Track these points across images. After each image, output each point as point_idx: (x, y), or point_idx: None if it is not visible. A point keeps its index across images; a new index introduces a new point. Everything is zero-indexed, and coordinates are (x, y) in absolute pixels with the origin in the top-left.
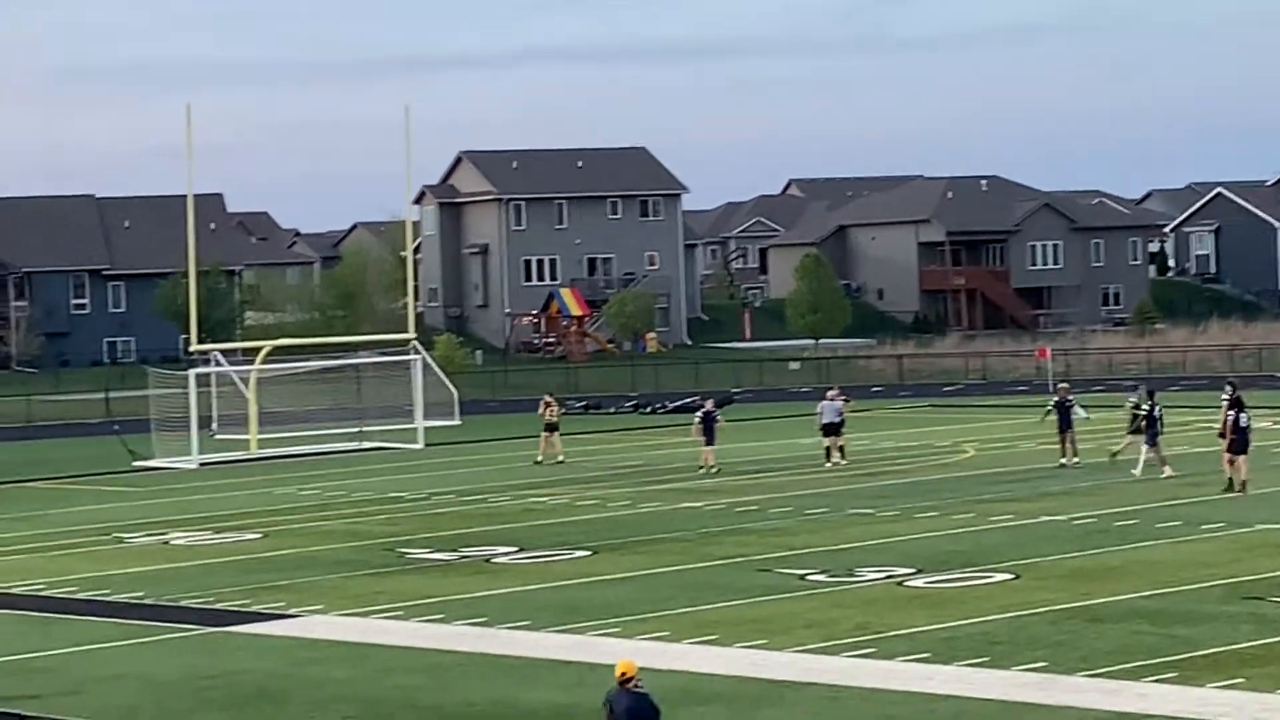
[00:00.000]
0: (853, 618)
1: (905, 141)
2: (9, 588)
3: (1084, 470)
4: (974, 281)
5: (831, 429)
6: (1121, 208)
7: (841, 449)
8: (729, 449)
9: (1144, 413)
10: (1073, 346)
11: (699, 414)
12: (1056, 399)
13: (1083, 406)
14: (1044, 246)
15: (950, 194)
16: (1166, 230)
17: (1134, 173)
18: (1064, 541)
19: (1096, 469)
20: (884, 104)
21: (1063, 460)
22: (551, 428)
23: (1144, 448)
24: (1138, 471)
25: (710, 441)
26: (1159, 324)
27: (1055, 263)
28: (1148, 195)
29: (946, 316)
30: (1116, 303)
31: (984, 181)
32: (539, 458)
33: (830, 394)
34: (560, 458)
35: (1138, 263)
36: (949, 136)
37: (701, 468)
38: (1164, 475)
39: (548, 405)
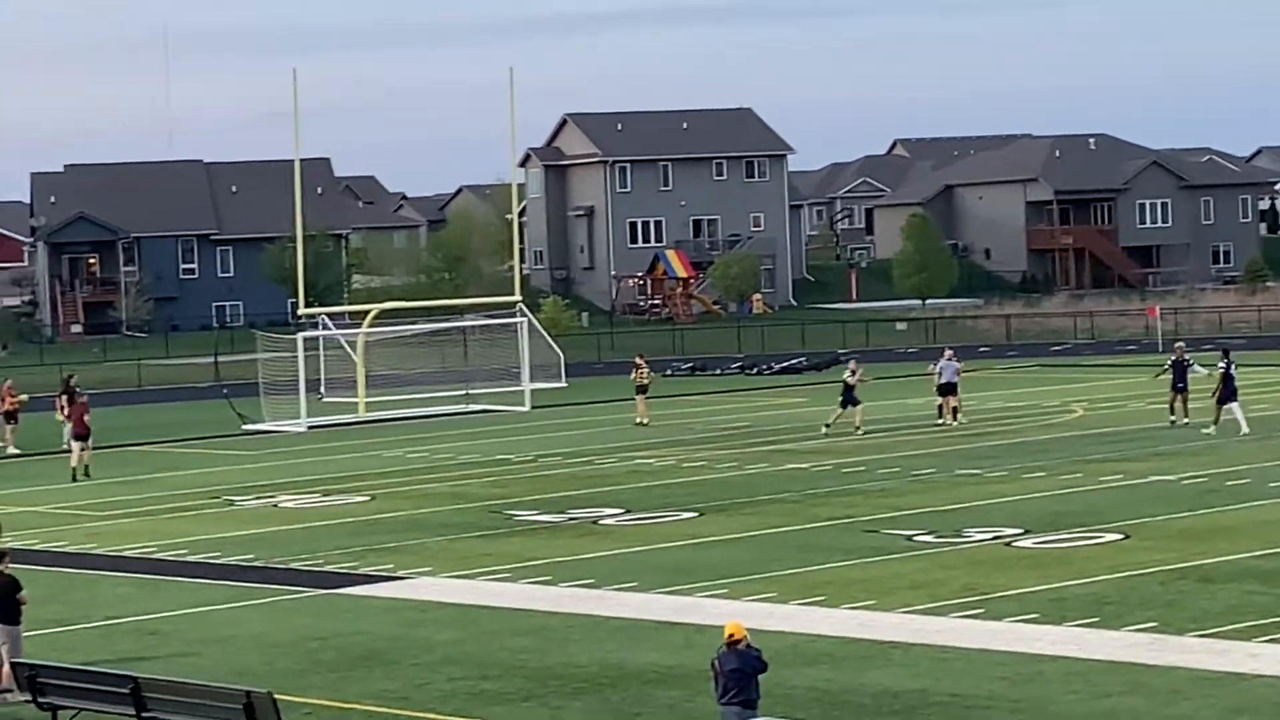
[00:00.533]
0: (960, 578)
1: (1012, 100)
2: (121, 551)
3: (1195, 430)
4: (1082, 240)
5: (948, 389)
6: (1231, 165)
7: (955, 410)
8: (835, 409)
9: (1221, 370)
10: (1182, 305)
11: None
12: (1174, 358)
13: (1202, 365)
14: (1153, 205)
15: (1058, 152)
16: (1277, 187)
17: (1244, 130)
18: (1174, 501)
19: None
20: (991, 62)
21: (1173, 419)
22: (642, 389)
23: (1218, 407)
24: (1213, 430)
25: (850, 404)
26: (1269, 282)
27: (1164, 221)
28: (1257, 152)
29: (1054, 276)
30: (1226, 261)
31: (1092, 140)
32: (638, 420)
33: (946, 354)
34: (645, 420)
35: (1247, 220)
36: (1057, 95)
37: (858, 428)
38: (1241, 433)
39: (638, 368)
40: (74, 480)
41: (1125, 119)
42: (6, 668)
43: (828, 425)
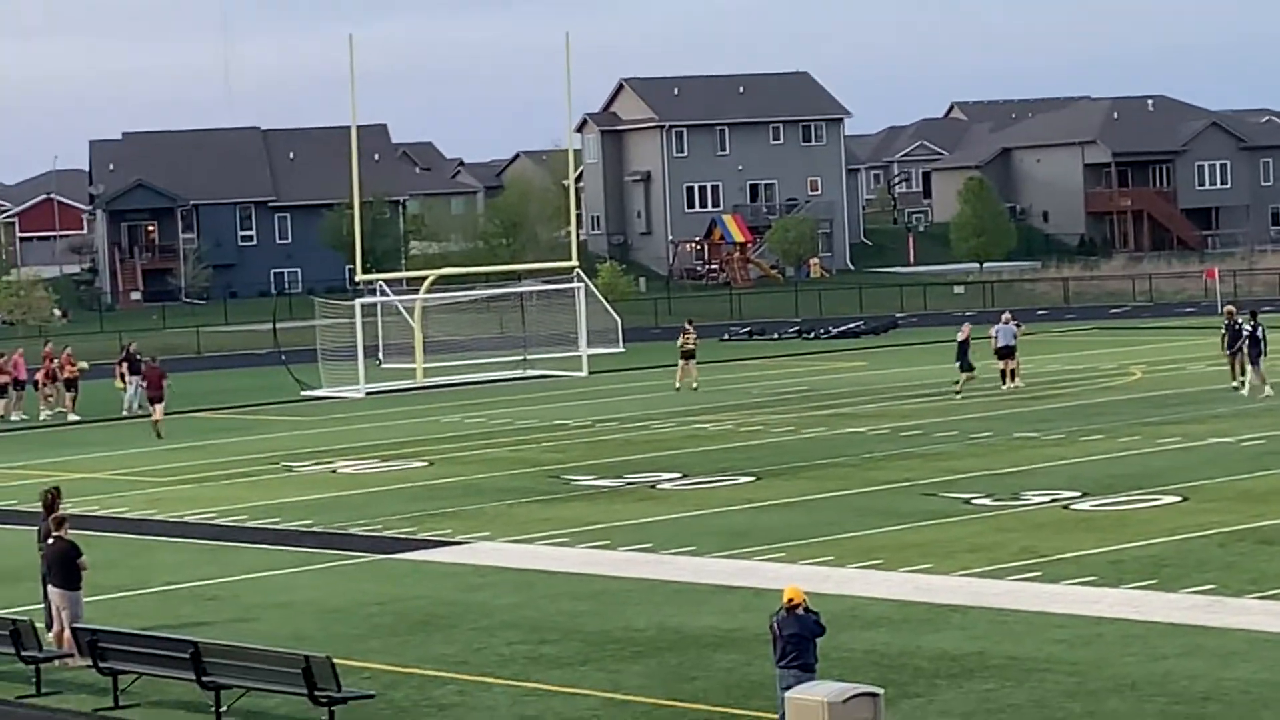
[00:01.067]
0: (1018, 541)
1: (1070, 62)
2: (181, 516)
3: (1256, 392)
4: (1140, 203)
5: (1006, 352)
6: None
7: (1014, 372)
8: (893, 373)
9: (1247, 333)
10: (1241, 267)
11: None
12: (1226, 322)
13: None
14: (1212, 166)
15: (1116, 114)
16: None
17: None
18: (1233, 464)
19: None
20: (1048, 24)
21: (1234, 383)
22: (688, 354)
23: (1249, 368)
24: (1246, 392)
25: (967, 367)
26: None
27: (1223, 183)
28: None
29: (1112, 238)
30: None
31: (1150, 101)
32: (679, 384)
33: (1004, 317)
34: (695, 385)
35: None
36: (1114, 56)
37: (1005, 385)
38: (1265, 394)
39: (686, 333)
40: (158, 438)
41: (1184, 80)
42: (67, 633)
43: (958, 392)
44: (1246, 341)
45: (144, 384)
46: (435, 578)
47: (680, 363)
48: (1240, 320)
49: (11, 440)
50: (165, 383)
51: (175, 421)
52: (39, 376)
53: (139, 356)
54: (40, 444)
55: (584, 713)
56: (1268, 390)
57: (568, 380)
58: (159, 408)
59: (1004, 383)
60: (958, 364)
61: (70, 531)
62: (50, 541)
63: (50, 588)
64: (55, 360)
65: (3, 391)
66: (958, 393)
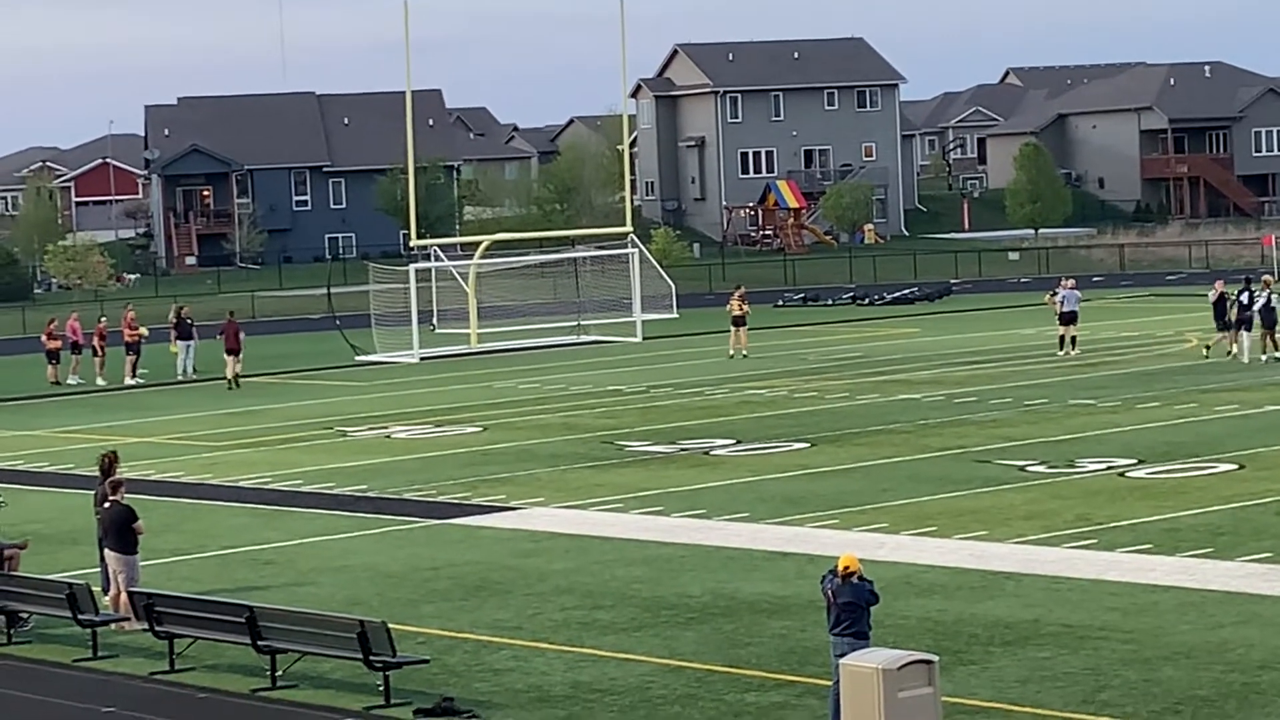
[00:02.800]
0: (1073, 509)
1: (1126, 27)
2: (236, 481)
3: None
4: (1197, 169)
5: (1069, 317)
6: None
7: (1074, 339)
8: (947, 339)
9: (1244, 302)
10: None
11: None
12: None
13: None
14: (1269, 133)
15: (1173, 80)
16: None
17: None
18: None
19: None
20: None
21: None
22: (738, 321)
23: (1243, 334)
24: (1246, 359)
25: (1225, 326)
26: None
27: None
28: None
29: (1169, 205)
30: None
31: (1207, 67)
32: (730, 352)
33: (1069, 283)
34: (745, 353)
35: None
36: (1171, 22)
37: (1063, 351)
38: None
39: (735, 299)
40: (230, 389)
41: (1241, 46)
42: (124, 596)
43: (1207, 348)
44: (1260, 311)
45: (221, 337)
46: (489, 543)
47: (731, 329)
48: (1256, 290)
49: (68, 404)
50: (241, 336)
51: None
52: (126, 340)
53: (189, 320)
54: (96, 408)
55: (638, 678)
56: (1245, 358)
57: (622, 346)
58: (235, 360)
59: (1061, 349)
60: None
61: (126, 496)
62: (107, 505)
63: (107, 551)
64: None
65: (54, 356)
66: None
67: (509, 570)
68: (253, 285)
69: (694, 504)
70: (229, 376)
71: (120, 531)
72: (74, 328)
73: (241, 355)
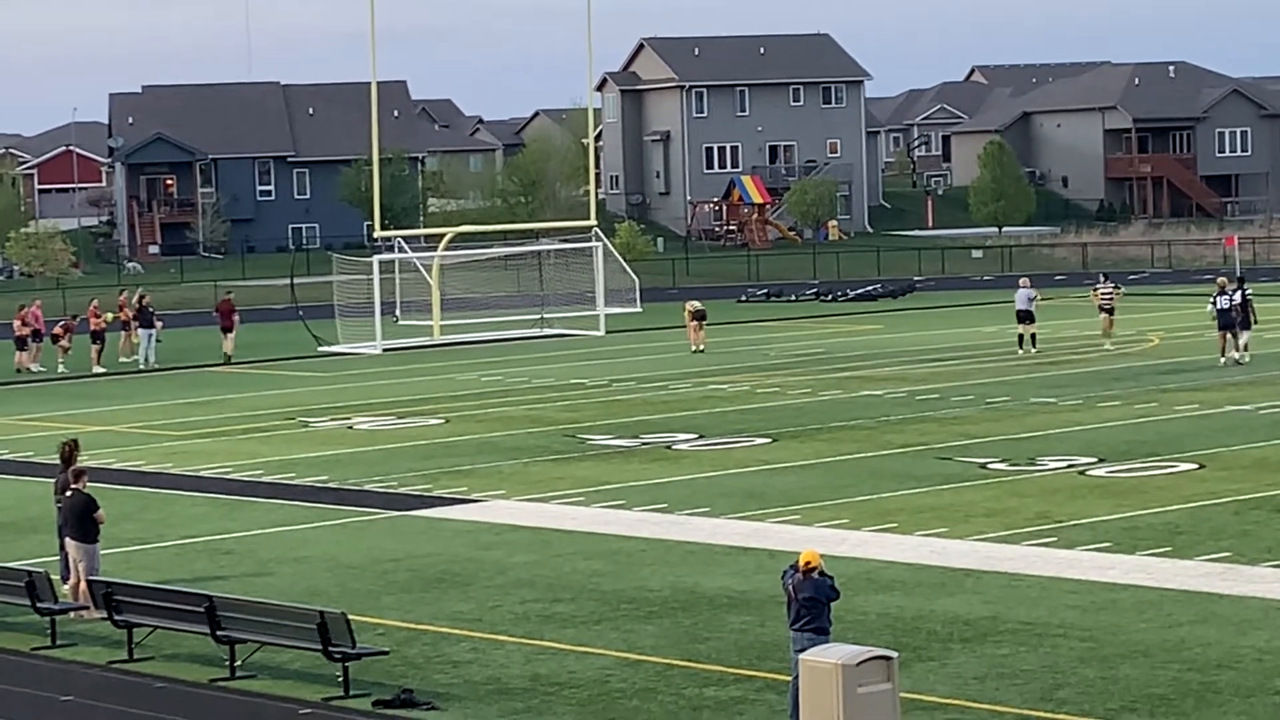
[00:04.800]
0: (1033, 506)
1: (1091, 27)
2: (197, 470)
3: (1269, 361)
4: (1160, 169)
5: (1025, 316)
6: None
7: (1033, 337)
8: (910, 336)
9: (1236, 302)
10: (1260, 235)
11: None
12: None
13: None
14: (1232, 133)
15: (1137, 80)
16: None
17: None
18: (1249, 431)
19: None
20: None
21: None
22: (697, 315)
23: (1243, 334)
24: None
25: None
26: None
27: (1244, 150)
28: None
29: (1132, 204)
30: None
31: (1171, 67)
32: (693, 347)
33: (1022, 282)
34: (702, 348)
35: None
36: (1136, 22)
37: (1022, 350)
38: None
39: (691, 302)
40: (226, 362)
41: (1205, 46)
42: (84, 585)
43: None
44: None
45: (216, 315)
46: (450, 535)
47: (690, 324)
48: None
49: (29, 392)
50: (235, 316)
51: (191, 376)
52: (92, 329)
53: (151, 309)
54: (57, 396)
55: (597, 672)
56: (1236, 356)
57: (585, 339)
58: (230, 337)
59: (1021, 347)
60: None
61: (89, 485)
62: (68, 494)
63: (67, 540)
64: (129, 307)
65: (23, 344)
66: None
67: (469, 562)
68: (215, 275)
69: (655, 498)
70: (226, 352)
71: (81, 520)
72: (36, 315)
73: (234, 333)
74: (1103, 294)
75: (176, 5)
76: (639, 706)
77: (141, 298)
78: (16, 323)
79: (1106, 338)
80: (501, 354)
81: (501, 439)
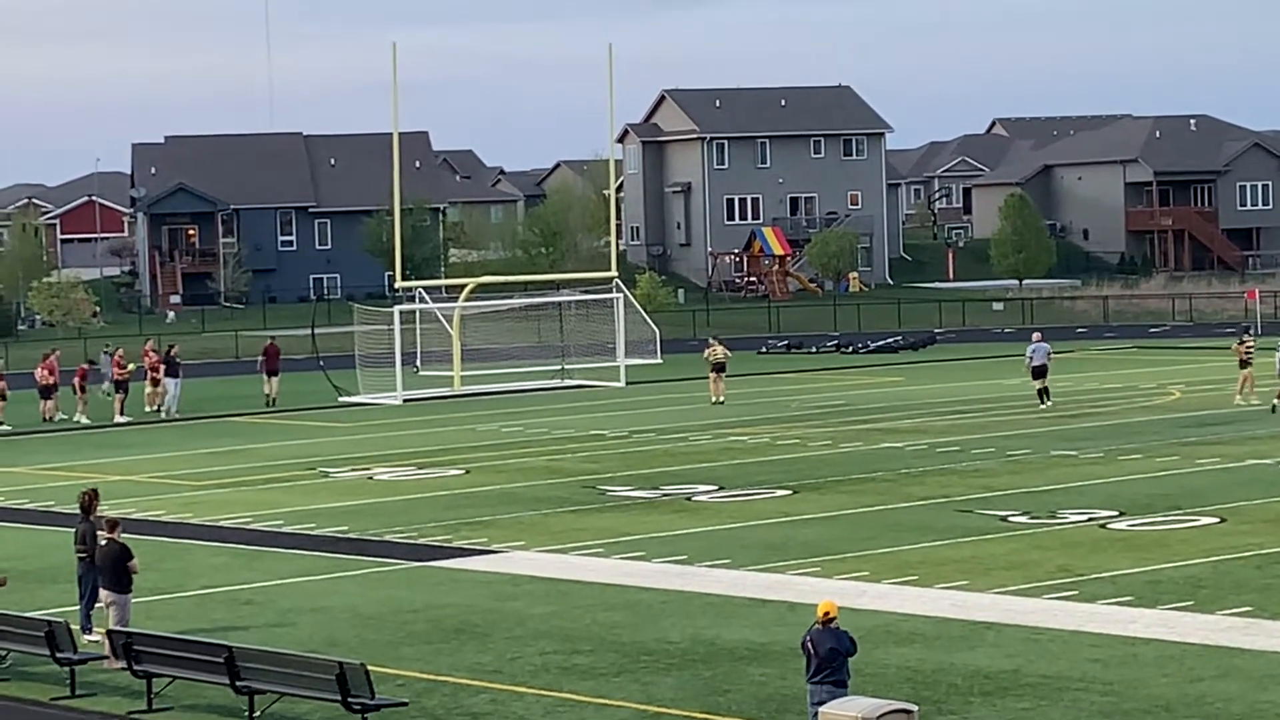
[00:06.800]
0: (1054, 560)
1: (1112, 80)
2: (217, 521)
3: None
4: (1181, 222)
5: (1040, 371)
6: None
7: (1047, 390)
8: (930, 389)
9: None
10: None
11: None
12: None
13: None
14: (1254, 186)
15: (1158, 133)
16: None
17: None
18: (1271, 485)
19: None
20: (1091, 42)
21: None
22: (718, 368)
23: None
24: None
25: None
26: None
27: (1265, 203)
28: None
29: (1153, 257)
30: None
31: (1193, 121)
32: (713, 399)
33: (1036, 336)
34: (722, 399)
35: None
36: (1157, 75)
37: (1044, 403)
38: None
39: (711, 346)
40: (269, 405)
41: (1226, 100)
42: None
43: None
44: None
45: (261, 359)
46: (470, 586)
47: (711, 375)
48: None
49: (50, 441)
50: (279, 359)
51: (211, 425)
52: (115, 378)
53: (177, 359)
54: (79, 445)
55: None
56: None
57: (605, 390)
58: (274, 381)
59: (1042, 402)
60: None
61: (122, 534)
62: (103, 544)
63: (101, 590)
64: (153, 356)
65: (47, 392)
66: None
67: (489, 613)
68: (236, 324)
69: (675, 549)
70: (270, 395)
71: (115, 570)
72: (52, 366)
73: (278, 377)
74: (1246, 348)
75: (199, 55)
76: None
77: (170, 348)
78: (43, 371)
79: (1240, 394)
80: (522, 405)
81: (522, 490)
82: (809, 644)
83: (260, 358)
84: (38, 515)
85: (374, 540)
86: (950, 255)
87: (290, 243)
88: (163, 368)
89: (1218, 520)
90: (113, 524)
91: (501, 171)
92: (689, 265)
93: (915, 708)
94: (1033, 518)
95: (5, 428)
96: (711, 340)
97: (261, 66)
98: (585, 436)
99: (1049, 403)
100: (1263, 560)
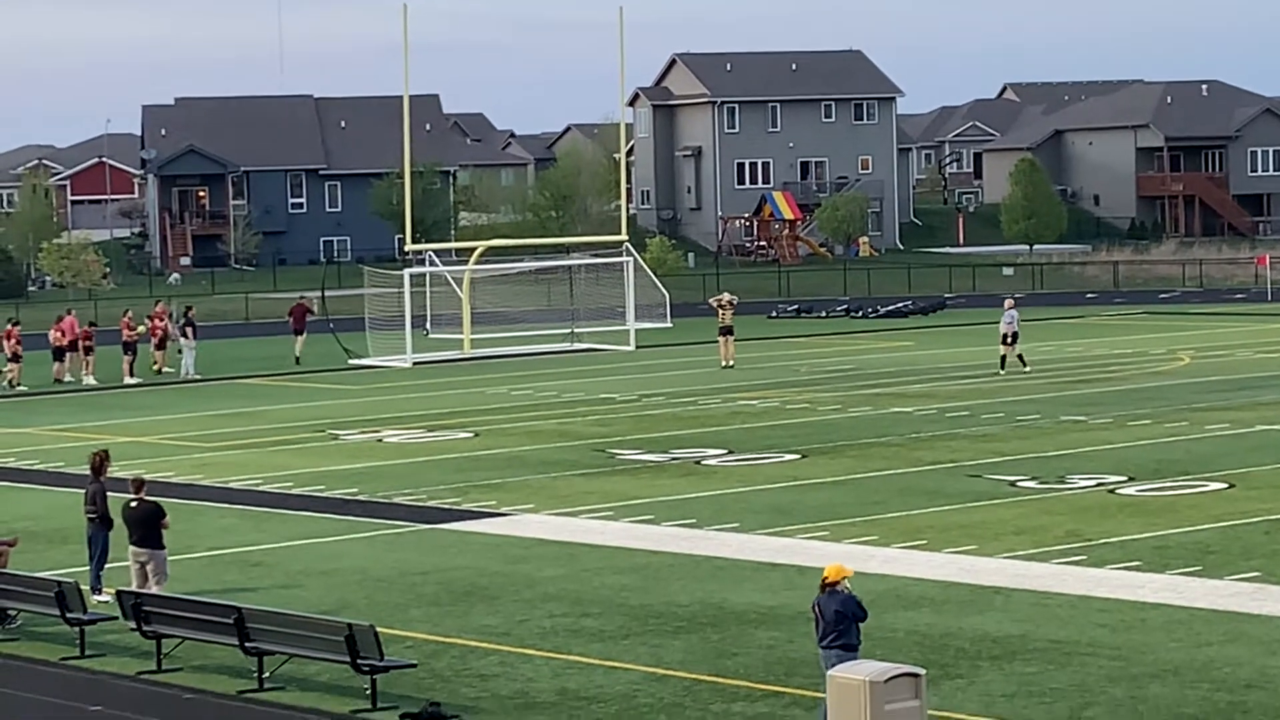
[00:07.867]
0: (1063, 525)
1: (1124, 45)
2: (227, 482)
3: None
4: (1192, 188)
5: (1011, 338)
6: None
7: (1020, 356)
8: (940, 353)
9: None
10: None
11: None
12: None
13: None
14: (1265, 152)
15: (1169, 99)
16: None
17: None
18: None
19: None
20: (1102, 6)
21: None
22: (725, 330)
23: None
24: None
25: None
26: None
27: (1276, 169)
28: None
29: (1164, 223)
30: None
31: (1204, 86)
32: (723, 363)
33: (1007, 303)
34: (731, 363)
35: None
36: (1169, 40)
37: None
38: None
39: (722, 307)
40: (296, 363)
41: (1238, 65)
42: (154, 588)
43: None
44: None
45: (289, 318)
46: (479, 549)
47: (720, 339)
48: None
49: (60, 403)
50: (308, 317)
51: (222, 388)
52: (124, 339)
53: (193, 320)
54: (89, 406)
55: (625, 686)
56: None
57: (615, 354)
58: (300, 340)
59: (1003, 368)
60: None
61: (130, 495)
62: (134, 504)
63: (132, 547)
64: (166, 320)
65: (60, 354)
66: None
67: (498, 576)
68: (247, 287)
69: (684, 513)
70: (298, 354)
71: (148, 528)
72: (66, 327)
73: (304, 336)
74: None
75: (209, 17)
76: None
77: (187, 309)
78: (55, 333)
79: (1008, 363)
80: (531, 368)
81: (531, 453)
82: (816, 608)
83: (289, 318)
84: (49, 476)
85: (383, 502)
86: (960, 220)
87: (300, 205)
88: (189, 330)
89: (1226, 486)
90: (139, 483)
91: (512, 135)
92: (699, 229)
93: (923, 671)
94: (1041, 483)
95: (22, 388)
96: (725, 300)
97: (272, 28)
98: (595, 400)
99: (1022, 366)
100: (1271, 526)
